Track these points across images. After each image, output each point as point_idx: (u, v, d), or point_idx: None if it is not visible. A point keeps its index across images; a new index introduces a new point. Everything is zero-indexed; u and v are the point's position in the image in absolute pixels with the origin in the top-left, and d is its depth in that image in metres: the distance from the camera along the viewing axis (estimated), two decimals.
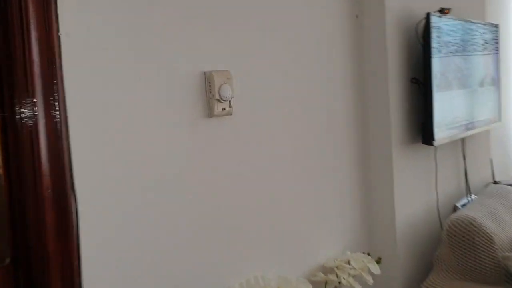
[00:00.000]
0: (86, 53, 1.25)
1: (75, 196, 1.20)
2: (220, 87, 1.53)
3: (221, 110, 1.55)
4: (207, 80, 1.53)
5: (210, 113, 1.54)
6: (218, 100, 1.53)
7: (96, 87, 1.27)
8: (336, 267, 1.92)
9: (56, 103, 1.16)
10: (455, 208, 2.62)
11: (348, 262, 1.94)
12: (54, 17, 1.13)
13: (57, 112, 1.16)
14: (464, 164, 2.73)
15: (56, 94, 1.15)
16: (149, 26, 1.39)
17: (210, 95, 1.53)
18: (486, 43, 2.76)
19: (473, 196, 2.74)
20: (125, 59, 1.33)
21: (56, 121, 1.16)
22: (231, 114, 1.59)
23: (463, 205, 2.63)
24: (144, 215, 1.38)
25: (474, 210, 2.26)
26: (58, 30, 1.14)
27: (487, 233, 2.11)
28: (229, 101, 1.57)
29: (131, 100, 1.35)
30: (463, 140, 2.69)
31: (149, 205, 1.39)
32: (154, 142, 1.40)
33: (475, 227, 2.11)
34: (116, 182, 1.31)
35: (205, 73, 1.53)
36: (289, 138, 1.85)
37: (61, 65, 1.16)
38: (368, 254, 2.02)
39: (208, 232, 1.56)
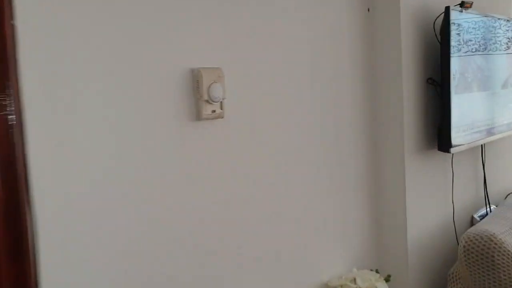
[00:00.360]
0: (49, 45, 1.08)
1: (32, 211, 1.04)
2: (209, 87, 1.36)
3: (210, 112, 1.38)
4: (195, 79, 1.36)
5: (197, 116, 1.37)
6: (207, 101, 1.36)
7: (61, 85, 1.11)
8: (341, 286, 1.77)
9: (11, 103, 0.99)
10: (472, 220, 2.43)
11: (354, 281, 1.79)
12: (6, 1, 0.96)
13: (12, 114, 1.00)
14: (483, 172, 2.53)
15: (11, 92, 0.99)
16: (127, 15, 1.22)
17: (198, 96, 1.36)
18: (510, 41, 2.55)
19: (493, 207, 2.54)
20: (97, 53, 1.17)
21: (10, 124, 1.00)
22: (222, 117, 1.42)
23: (481, 216, 2.45)
24: (120, 232, 1.21)
25: (493, 224, 2.07)
26: (11, 17, 0.97)
27: (508, 250, 1.91)
28: (220, 103, 1.40)
29: (104, 101, 1.19)
30: (483, 146, 2.49)
31: (127, 222, 1.23)
32: (131, 150, 1.24)
33: (495, 244, 1.92)
34: (85, 194, 1.15)
35: (192, 70, 1.36)
36: (289, 145, 1.67)
37: (16, 59, 0.99)
38: (377, 271, 1.88)
39: (198, 250, 1.39)
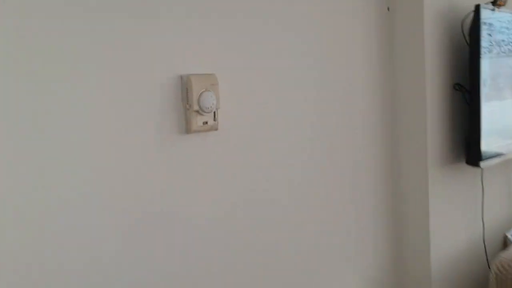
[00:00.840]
0: (16, 47, 0.94)
1: None
2: (200, 95, 1.19)
3: (201, 124, 1.21)
4: (184, 86, 1.20)
5: (187, 129, 1.21)
6: (197, 111, 1.20)
7: (28, 94, 0.96)
8: None
9: None
10: (505, 240, 2.20)
11: None
12: None
13: None
14: None
15: None
16: (104, 13, 1.07)
17: (187, 106, 1.20)
18: None
19: None
20: (68, 58, 1.02)
21: None
22: (216, 130, 1.25)
23: None
24: (100, 261, 1.06)
25: None
26: None
27: None
28: (214, 113, 1.24)
29: (78, 112, 1.04)
30: None
31: (107, 254, 1.07)
32: (110, 167, 1.09)
33: None
34: (52, 227, 1.00)
35: (181, 77, 1.20)
36: (296, 159, 1.49)
37: None
38: None
39: (188, 272, 1.22)
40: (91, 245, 1.06)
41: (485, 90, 1.83)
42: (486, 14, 1.82)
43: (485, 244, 2.08)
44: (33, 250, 0.98)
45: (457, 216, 1.97)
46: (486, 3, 1.84)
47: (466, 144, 1.89)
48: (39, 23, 0.98)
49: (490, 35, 1.87)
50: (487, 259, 2.05)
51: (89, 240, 1.06)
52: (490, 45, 1.88)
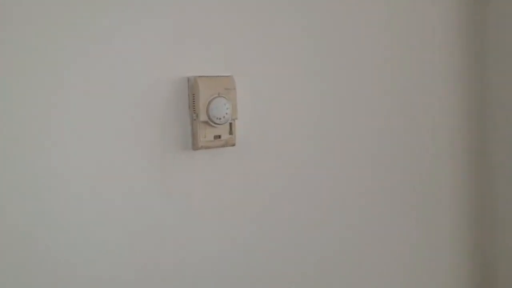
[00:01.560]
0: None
1: None
2: (210, 103, 0.95)
3: (212, 139, 0.98)
4: (190, 91, 0.96)
5: (194, 144, 0.97)
6: (206, 123, 0.96)
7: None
8: None
9: None
10: None
11: None
12: None
13: None
14: None
15: None
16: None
17: (194, 115, 0.96)
18: None
19: None
20: (49, 58, 0.84)
21: None
22: (233, 145, 1.01)
23: None
24: None
25: None
26: None
27: None
28: (230, 125, 0.99)
29: (58, 123, 0.86)
30: None
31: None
32: (97, 190, 0.89)
33: None
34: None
35: (188, 79, 0.97)
36: (344, 185, 1.19)
37: None
38: None
39: None
40: (81, 269, 0.88)
41: None
42: None
43: None
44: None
45: None
46: None
47: None
48: (35, 20, 0.83)
49: None
50: None
51: (79, 265, 0.88)
52: None
